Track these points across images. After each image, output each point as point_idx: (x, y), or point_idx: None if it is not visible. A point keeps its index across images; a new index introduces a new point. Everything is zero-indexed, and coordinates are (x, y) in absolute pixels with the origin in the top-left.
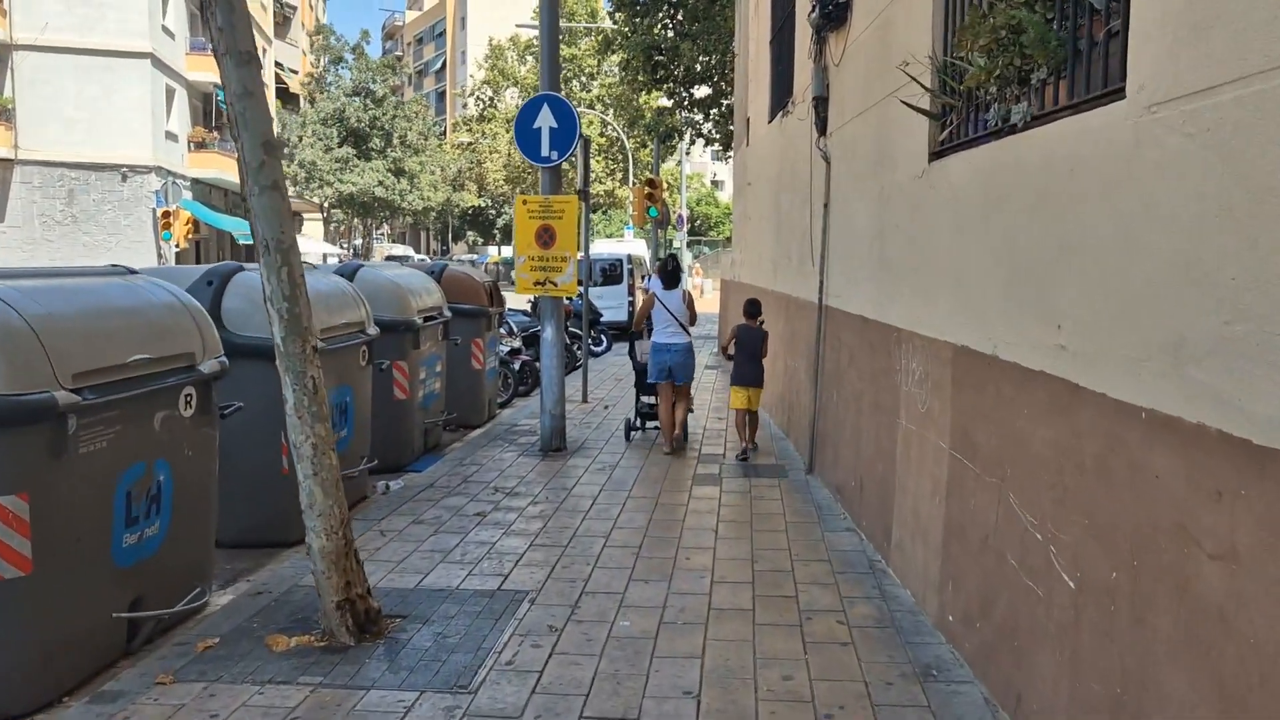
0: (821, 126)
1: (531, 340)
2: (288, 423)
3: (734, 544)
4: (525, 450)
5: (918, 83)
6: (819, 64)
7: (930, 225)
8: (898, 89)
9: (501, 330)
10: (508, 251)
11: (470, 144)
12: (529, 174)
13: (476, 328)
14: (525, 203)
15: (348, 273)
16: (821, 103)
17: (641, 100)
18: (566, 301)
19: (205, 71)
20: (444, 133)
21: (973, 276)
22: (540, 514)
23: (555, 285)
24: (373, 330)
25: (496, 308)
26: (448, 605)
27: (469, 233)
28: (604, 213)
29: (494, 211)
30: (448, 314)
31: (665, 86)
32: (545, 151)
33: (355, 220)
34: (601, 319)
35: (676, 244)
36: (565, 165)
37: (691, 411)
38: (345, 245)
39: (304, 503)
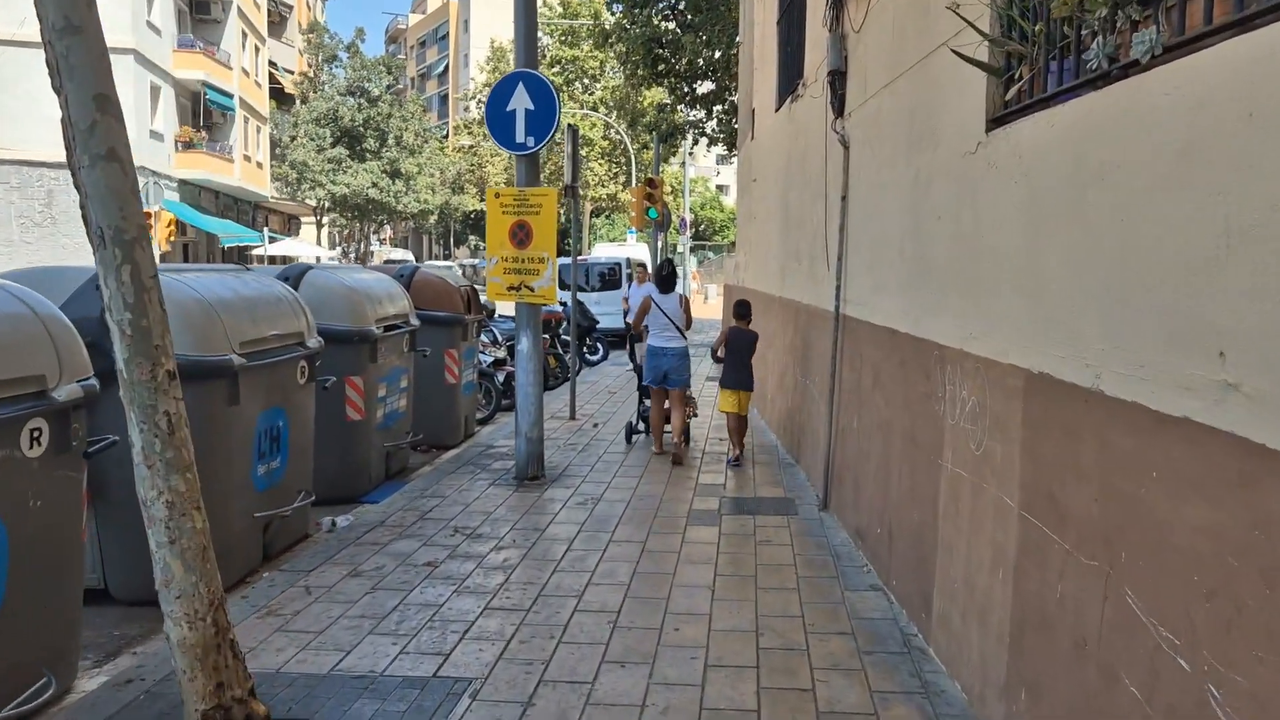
0: (838, 106)
1: None
2: (135, 473)
3: (735, 608)
4: (498, 478)
5: (973, 27)
6: (835, 33)
7: (989, 213)
8: (942, 44)
9: (484, 339)
10: None
11: (472, 146)
12: None
13: (450, 337)
14: (498, 195)
15: (293, 276)
16: (839, 78)
17: (643, 100)
18: (559, 307)
19: (194, 69)
20: (446, 135)
21: (1057, 277)
22: (503, 564)
23: (531, 290)
24: (314, 342)
25: (475, 315)
26: (364, 703)
27: (470, 237)
28: (607, 216)
29: None
30: (415, 323)
31: (666, 81)
32: (520, 137)
33: (356, 224)
34: (598, 326)
35: (680, 248)
36: (557, 156)
37: (695, 416)
38: (348, 249)
39: (158, 579)
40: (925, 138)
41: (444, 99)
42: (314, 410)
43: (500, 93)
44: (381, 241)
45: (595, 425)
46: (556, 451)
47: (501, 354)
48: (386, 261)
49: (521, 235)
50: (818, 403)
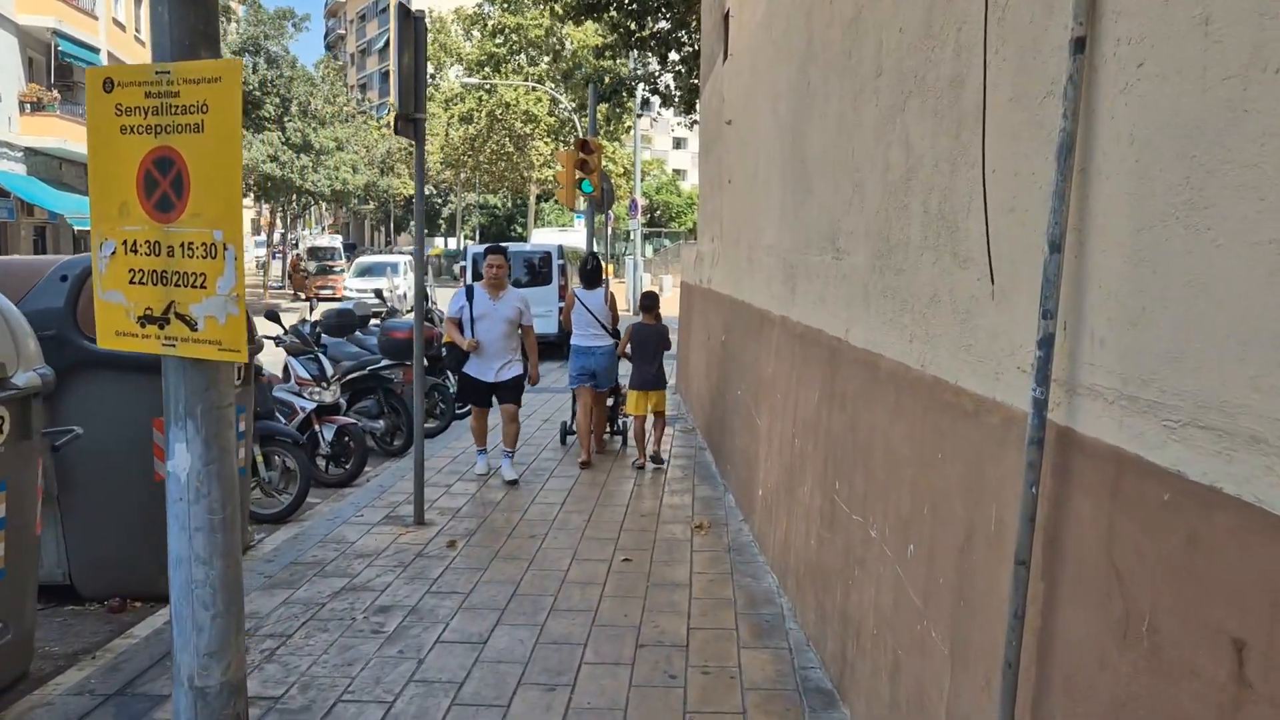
0: None
1: (369, 384)
2: None
3: None
4: None
5: None
6: None
7: None
8: None
9: (301, 372)
10: (454, 243)
11: None
12: (468, 156)
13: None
14: (110, 86)
15: None
16: None
17: (572, 38)
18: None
19: (40, 14)
20: (388, 112)
21: None
22: None
23: (192, 328)
24: None
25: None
26: None
27: (412, 222)
28: (557, 201)
29: (439, 200)
30: (25, 382)
31: (606, 15)
32: None
33: (263, 205)
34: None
35: (632, 234)
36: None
37: (626, 417)
38: (283, 234)
39: None
40: None
41: (385, 75)
42: None
43: None
44: (324, 229)
45: (452, 543)
46: (341, 636)
47: (329, 396)
48: (309, 249)
49: (165, 184)
50: (915, 614)
